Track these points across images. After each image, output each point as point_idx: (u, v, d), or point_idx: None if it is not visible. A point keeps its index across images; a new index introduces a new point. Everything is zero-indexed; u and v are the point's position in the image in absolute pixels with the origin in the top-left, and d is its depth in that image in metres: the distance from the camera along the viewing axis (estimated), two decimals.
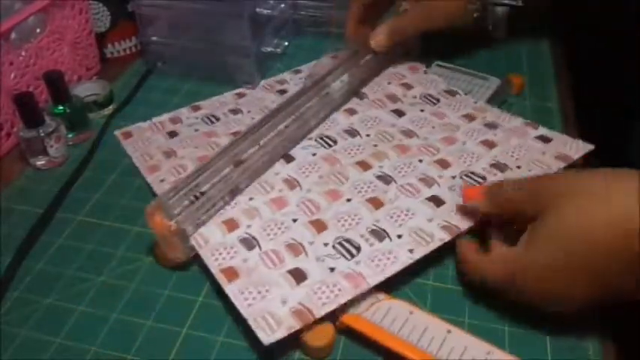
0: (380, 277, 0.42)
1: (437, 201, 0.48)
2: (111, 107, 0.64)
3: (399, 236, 0.45)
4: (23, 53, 0.59)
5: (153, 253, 0.47)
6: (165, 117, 0.60)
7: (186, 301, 0.44)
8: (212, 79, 0.68)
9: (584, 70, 0.69)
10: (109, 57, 0.73)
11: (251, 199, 0.49)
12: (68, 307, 0.44)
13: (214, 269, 0.43)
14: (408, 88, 0.64)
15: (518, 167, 0.52)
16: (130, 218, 0.51)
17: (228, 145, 0.51)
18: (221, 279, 0.42)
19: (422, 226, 0.46)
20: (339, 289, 0.41)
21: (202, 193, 0.47)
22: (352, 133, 0.57)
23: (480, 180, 0.51)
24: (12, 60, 0.58)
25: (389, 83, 0.64)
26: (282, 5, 0.70)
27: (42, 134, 0.54)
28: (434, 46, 0.71)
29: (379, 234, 0.45)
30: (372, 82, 0.64)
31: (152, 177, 0.52)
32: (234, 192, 0.49)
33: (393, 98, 0.62)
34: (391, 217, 0.47)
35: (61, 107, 0.58)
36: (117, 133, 0.58)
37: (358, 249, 0.44)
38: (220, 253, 0.44)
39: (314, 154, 0.54)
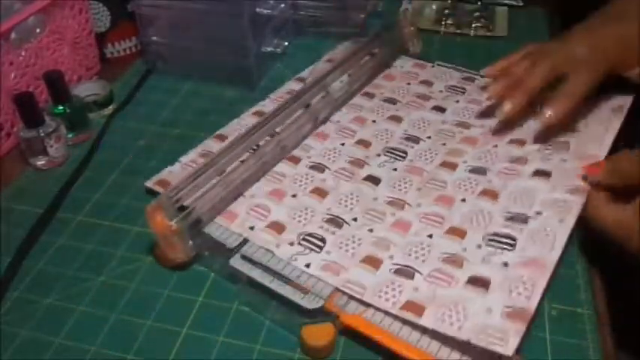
0: (556, 253, 0.42)
1: (543, 174, 0.49)
2: (111, 107, 0.64)
3: (539, 213, 0.46)
4: (23, 53, 0.59)
5: (153, 254, 0.47)
6: (192, 154, 0.55)
7: (186, 301, 0.44)
8: (212, 79, 0.68)
9: None
10: (109, 57, 0.73)
11: (371, 230, 0.46)
12: (68, 307, 0.44)
13: (394, 310, 0.40)
14: (429, 84, 0.65)
15: (586, 126, 0.54)
16: (130, 218, 0.51)
17: (228, 145, 0.50)
18: (408, 315, 0.39)
19: (551, 197, 0.47)
20: (528, 279, 0.40)
21: (204, 193, 0.47)
22: (413, 139, 0.56)
23: (564, 146, 0.52)
24: (12, 60, 0.58)
25: (408, 84, 0.65)
26: (282, 5, 0.70)
27: (42, 134, 0.54)
28: (433, 47, 0.71)
29: (518, 218, 0.46)
30: (392, 86, 0.64)
31: (235, 225, 0.47)
32: (240, 188, 0.49)
33: (424, 97, 0.62)
34: (516, 202, 0.47)
35: (61, 107, 0.58)
36: (149, 184, 0.52)
37: (512, 237, 0.44)
38: (386, 292, 0.41)
39: (395, 169, 0.53)
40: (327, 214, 0.48)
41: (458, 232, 0.45)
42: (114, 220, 0.51)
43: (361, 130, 0.58)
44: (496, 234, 0.45)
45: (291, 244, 0.45)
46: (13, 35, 0.57)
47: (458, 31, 0.78)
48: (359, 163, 0.54)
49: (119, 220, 0.51)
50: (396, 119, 0.59)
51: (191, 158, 0.55)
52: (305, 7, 0.76)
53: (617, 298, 0.44)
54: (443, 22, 0.79)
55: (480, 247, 0.44)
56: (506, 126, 0.56)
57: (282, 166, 0.53)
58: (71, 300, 0.44)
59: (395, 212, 0.48)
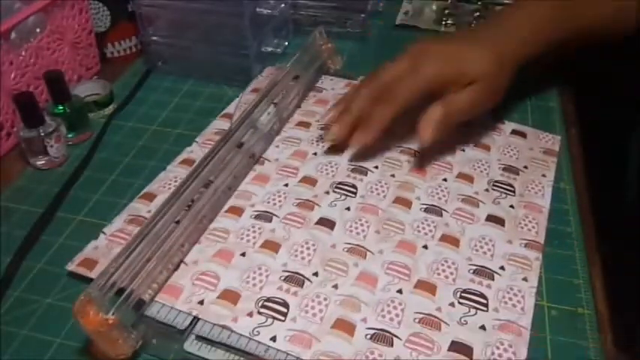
0: (527, 317, 0.41)
1: (497, 220, 0.49)
2: (111, 107, 0.64)
3: (502, 268, 0.45)
4: (23, 53, 0.59)
5: (90, 354, 0.40)
6: (118, 222, 0.48)
7: None
8: (212, 79, 0.68)
9: (586, 68, 0.69)
10: (109, 57, 0.73)
11: (335, 286, 0.43)
12: (68, 307, 0.43)
13: None
14: None
15: (525, 167, 0.54)
16: None
17: (160, 207, 0.44)
18: None
19: (509, 251, 0.46)
20: (509, 346, 0.39)
21: (137, 274, 0.40)
22: (360, 170, 0.53)
23: (510, 190, 0.52)
24: (12, 60, 0.57)
25: None
26: (282, 5, 0.70)
27: (42, 134, 0.54)
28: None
29: (483, 272, 0.44)
30: (325, 112, 0.59)
31: (182, 301, 0.41)
32: (180, 254, 0.44)
33: None
34: (477, 251, 0.46)
35: (61, 107, 0.58)
36: (71, 268, 0.45)
37: (483, 296, 0.43)
38: None
39: (348, 209, 0.49)
40: (284, 270, 0.44)
41: (428, 287, 0.43)
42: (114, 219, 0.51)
43: (303, 166, 0.54)
44: (466, 291, 0.43)
45: (250, 314, 0.40)
46: (13, 35, 0.57)
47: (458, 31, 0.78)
48: (308, 205, 0.49)
49: None
50: (341, 148, 0.55)
51: (117, 227, 0.48)
52: (305, 7, 0.76)
53: (617, 298, 0.44)
54: (443, 22, 0.79)
55: (453, 305, 0.42)
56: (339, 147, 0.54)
57: (224, 221, 0.48)
58: (71, 300, 0.44)
59: (358, 262, 0.45)
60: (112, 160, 0.57)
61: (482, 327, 0.41)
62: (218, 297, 0.42)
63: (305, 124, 0.59)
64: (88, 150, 0.59)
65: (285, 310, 0.41)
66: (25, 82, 0.60)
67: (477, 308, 0.42)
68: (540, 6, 0.54)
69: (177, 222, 0.44)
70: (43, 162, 0.56)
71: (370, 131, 0.51)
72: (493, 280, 0.44)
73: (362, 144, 0.52)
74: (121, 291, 0.38)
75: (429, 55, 0.50)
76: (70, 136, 0.59)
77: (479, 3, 0.81)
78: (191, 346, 0.39)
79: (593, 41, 0.57)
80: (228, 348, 0.39)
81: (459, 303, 0.42)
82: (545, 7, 0.54)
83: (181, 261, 0.44)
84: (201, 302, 0.41)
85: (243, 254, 0.45)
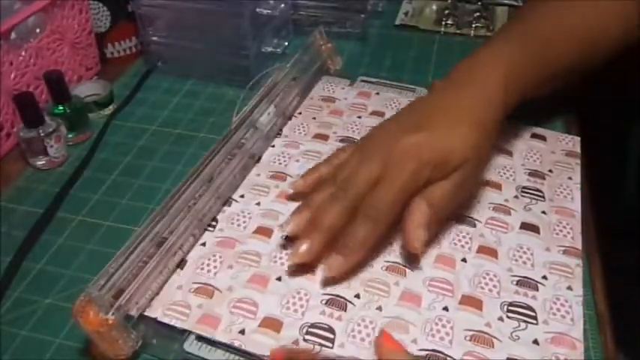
0: (579, 328, 0.40)
1: (531, 227, 0.48)
2: (111, 107, 0.64)
3: (544, 277, 0.44)
4: (23, 53, 0.59)
5: (90, 354, 0.40)
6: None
7: None
8: (212, 79, 0.68)
9: None
10: (109, 57, 0.73)
11: (379, 308, 0.41)
12: (68, 307, 0.43)
13: None
14: (380, 115, 0.60)
15: (550, 171, 0.53)
16: (129, 218, 0.50)
17: (160, 208, 0.44)
18: None
19: (549, 259, 0.45)
20: (558, 358, 0.38)
21: (135, 275, 0.40)
22: None
23: (539, 195, 0.51)
24: (12, 60, 0.57)
25: (359, 117, 0.60)
26: (282, 5, 0.70)
27: (42, 134, 0.54)
28: (434, 47, 0.71)
29: (527, 283, 0.43)
30: (343, 123, 0.59)
31: (221, 331, 0.40)
32: (180, 252, 0.44)
33: None
34: (517, 261, 0.45)
35: (61, 107, 0.58)
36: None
37: (530, 308, 0.41)
38: None
39: None
40: (324, 294, 0.42)
41: (473, 302, 0.42)
42: (114, 220, 0.51)
43: None
44: (512, 304, 0.42)
45: (296, 342, 0.39)
46: (13, 35, 0.57)
47: (458, 31, 0.78)
48: None
49: (119, 220, 0.51)
50: None
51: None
52: (305, 7, 0.76)
53: (617, 298, 0.44)
54: (443, 22, 0.79)
55: (502, 319, 0.41)
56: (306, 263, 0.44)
57: (255, 243, 0.46)
58: (71, 300, 0.44)
59: (398, 281, 0.43)
60: (112, 160, 0.57)
61: (535, 341, 0.39)
62: (259, 325, 0.40)
63: (323, 137, 0.58)
64: (88, 150, 0.59)
65: (331, 335, 0.40)
66: (25, 82, 0.60)
67: (526, 322, 0.41)
68: (509, 54, 0.49)
69: (178, 222, 0.44)
70: (43, 162, 0.56)
71: (352, 256, 0.42)
72: (537, 290, 0.43)
73: (341, 272, 0.42)
74: (120, 291, 0.39)
75: (401, 153, 0.42)
76: (70, 136, 0.59)
77: (479, 3, 0.81)
78: (191, 346, 0.39)
79: (579, 68, 0.55)
80: (228, 348, 0.39)
81: (508, 317, 0.41)
82: (514, 55, 0.49)
83: (183, 259, 0.45)
84: (242, 332, 0.40)
85: (279, 279, 0.43)
